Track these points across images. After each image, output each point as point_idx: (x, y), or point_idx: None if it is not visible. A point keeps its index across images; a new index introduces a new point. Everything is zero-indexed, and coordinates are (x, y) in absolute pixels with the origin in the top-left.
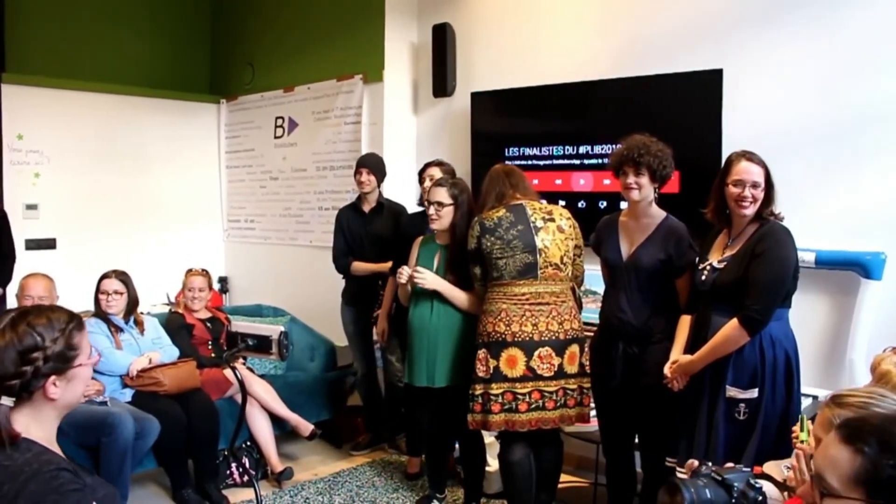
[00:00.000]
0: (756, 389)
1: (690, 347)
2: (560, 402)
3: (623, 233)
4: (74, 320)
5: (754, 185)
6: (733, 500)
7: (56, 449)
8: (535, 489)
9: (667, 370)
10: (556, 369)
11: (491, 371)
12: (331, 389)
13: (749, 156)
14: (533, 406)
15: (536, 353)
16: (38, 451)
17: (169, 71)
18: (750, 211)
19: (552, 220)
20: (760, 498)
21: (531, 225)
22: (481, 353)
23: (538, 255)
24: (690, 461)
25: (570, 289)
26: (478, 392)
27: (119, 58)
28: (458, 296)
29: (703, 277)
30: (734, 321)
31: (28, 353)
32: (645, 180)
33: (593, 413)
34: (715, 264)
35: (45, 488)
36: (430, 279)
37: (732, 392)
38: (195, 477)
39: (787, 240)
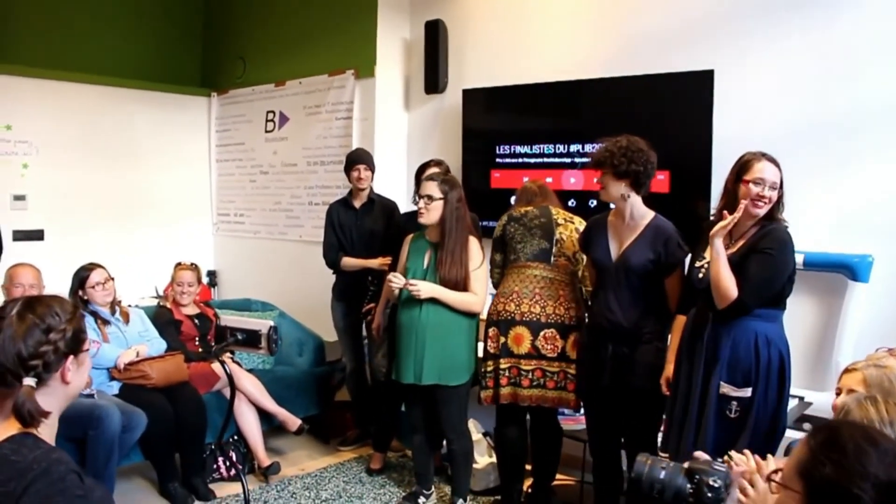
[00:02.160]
0: (749, 389)
1: (687, 346)
2: (560, 384)
3: (612, 233)
4: (79, 307)
5: (773, 186)
6: (690, 489)
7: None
8: (535, 474)
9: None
10: (559, 351)
11: (500, 347)
12: (319, 385)
13: (768, 157)
14: (535, 383)
15: (542, 333)
16: (47, 449)
17: (160, 63)
18: (762, 212)
19: (572, 222)
20: (718, 497)
21: (553, 220)
22: (491, 331)
23: (553, 244)
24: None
25: (579, 288)
26: (489, 368)
27: (110, 49)
28: (453, 298)
29: (701, 276)
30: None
31: (49, 332)
32: (609, 179)
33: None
34: None
35: (52, 490)
36: (424, 289)
37: (726, 389)
38: (182, 470)
39: (788, 243)
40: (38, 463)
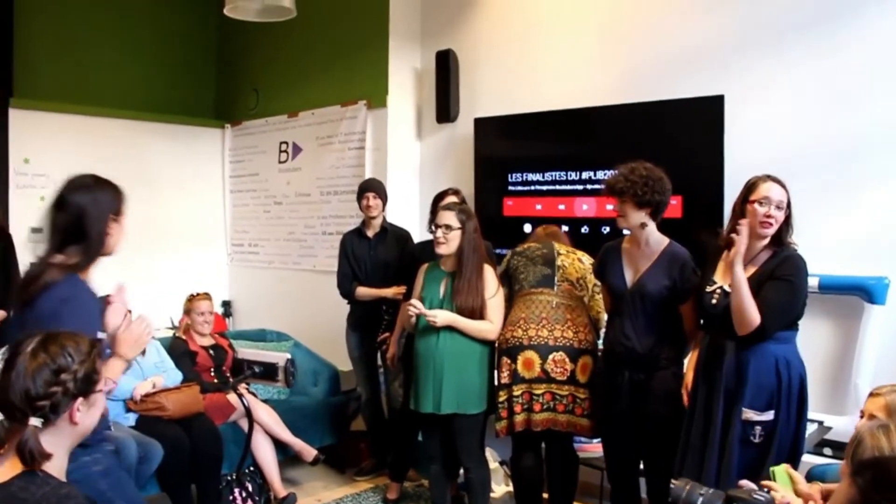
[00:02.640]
0: (772, 412)
1: (704, 373)
2: (569, 408)
3: (626, 259)
4: (97, 346)
5: (779, 206)
6: None
7: (64, 480)
8: (551, 502)
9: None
10: (568, 374)
11: (512, 374)
12: (334, 414)
13: (774, 178)
14: (545, 407)
15: (551, 357)
16: (56, 485)
17: (174, 96)
18: (770, 231)
19: (574, 254)
20: None
21: (554, 250)
22: (504, 361)
23: (555, 270)
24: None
25: (587, 314)
26: (502, 398)
27: (125, 83)
28: (471, 326)
29: (714, 301)
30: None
31: (60, 374)
32: (629, 208)
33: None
34: (726, 288)
35: None
36: (440, 318)
37: (749, 414)
38: (198, 502)
39: (804, 269)
40: (48, 500)
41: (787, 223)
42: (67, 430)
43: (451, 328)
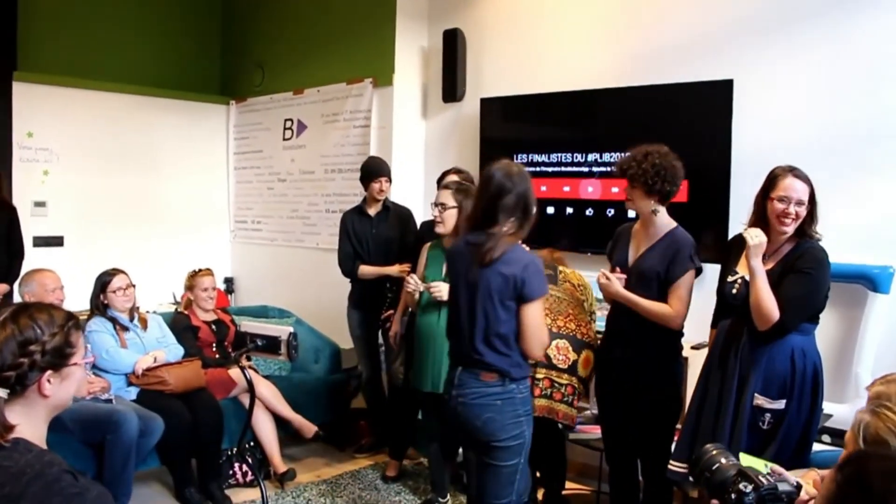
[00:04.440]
0: (784, 401)
1: (718, 359)
2: (566, 399)
3: (633, 240)
4: (73, 319)
5: (799, 203)
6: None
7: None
8: (544, 480)
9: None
10: (569, 363)
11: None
12: (335, 392)
13: (796, 172)
14: (543, 394)
15: (554, 343)
16: (39, 453)
17: (179, 72)
18: (790, 229)
19: (574, 274)
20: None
21: (554, 266)
22: None
23: (557, 273)
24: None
25: (587, 314)
26: None
27: (129, 58)
28: None
29: (735, 291)
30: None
31: (27, 345)
32: (638, 193)
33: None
34: (748, 278)
35: (48, 491)
36: (445, 290)
37: (760, 401)
38: (198, 476)
39: (826, 262)
40: (31, 466)
41: (810, 216)
42: (40, 402)
43: None
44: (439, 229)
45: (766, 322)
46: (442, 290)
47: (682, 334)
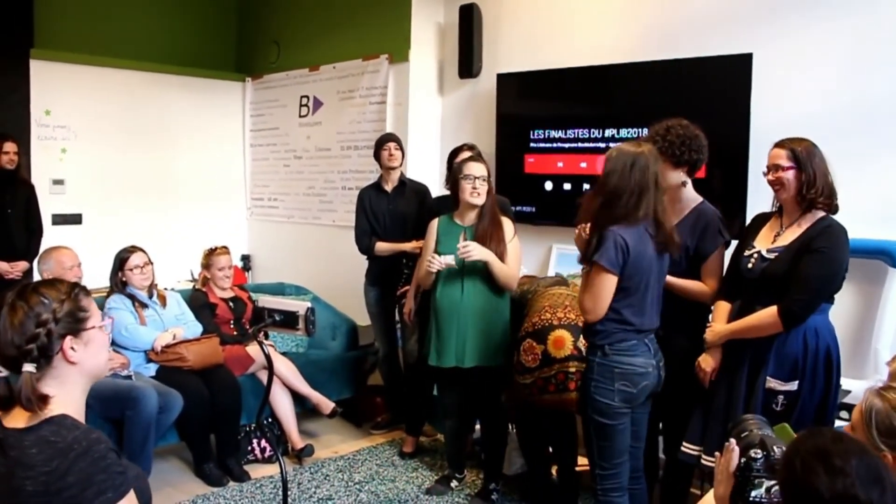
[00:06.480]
0: (796, 382)
1: (731, 341)
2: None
3: None
4: (79, 287)
5: (776, 168)
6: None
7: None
8: (557, 457)
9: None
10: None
11: (541, 357)
12: (352, 368)
13: (779, 142)
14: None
15: (581, 337)
16: (86, 430)
17: (195, 48)
18: (783, 195)
19: None
20: (749, 466)
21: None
22: (529, 344)
23: (567, 280)
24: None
25: None
26: (527, 381)
27: (146, 35)
28: (501, 269)
29: (751, 265)
30: (773, 309)
31: (39, 316)
32: (667, 168)
33: None
34: (765, 253)
35: (95, 468)
36: (476, 251)
37: (773, 384)
38: (217, 452)
39: (844, 241)
40: (79, 443)
41: (810, 185)
42: (71, 371)
43: (473, 281)
44: (478, 201)
45: (769, 331)
46: (472, 249)
47: (703, 309)
